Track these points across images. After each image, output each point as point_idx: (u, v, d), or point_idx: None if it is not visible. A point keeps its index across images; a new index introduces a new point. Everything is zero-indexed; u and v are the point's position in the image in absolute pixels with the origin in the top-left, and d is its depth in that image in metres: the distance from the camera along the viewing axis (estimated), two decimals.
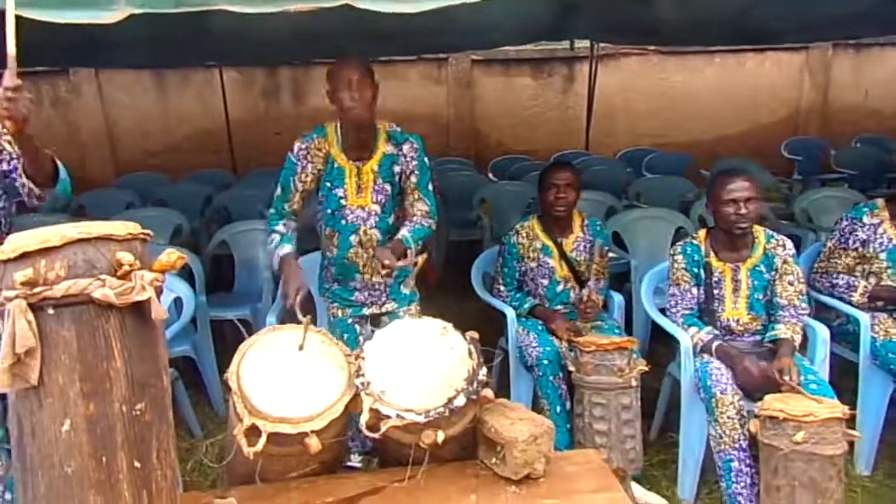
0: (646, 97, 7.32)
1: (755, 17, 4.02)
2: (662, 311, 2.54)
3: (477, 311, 2.94)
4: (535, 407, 2.51)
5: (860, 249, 2.52)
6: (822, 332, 2.34)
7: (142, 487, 1.35)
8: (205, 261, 3.43)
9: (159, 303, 1.39)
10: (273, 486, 1.83)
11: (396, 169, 2.24)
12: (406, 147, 2.24)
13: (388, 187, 2.25)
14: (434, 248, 4.82)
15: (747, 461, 2.06)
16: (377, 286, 2.35)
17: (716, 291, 2.38)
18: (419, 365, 1.83)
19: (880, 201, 2.55)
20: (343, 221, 2.26)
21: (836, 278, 2.55)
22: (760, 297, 2.36)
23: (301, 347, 1.85)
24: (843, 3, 3.43)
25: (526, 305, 2.66)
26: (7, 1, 1.51)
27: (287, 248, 2.22)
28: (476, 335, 1.92)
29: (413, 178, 2.25)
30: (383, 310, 2.39)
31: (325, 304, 2.46)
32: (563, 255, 2.66)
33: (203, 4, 1.78)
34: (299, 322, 1.91)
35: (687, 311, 2.41)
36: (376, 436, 1.71)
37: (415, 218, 2.25)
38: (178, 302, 2.82)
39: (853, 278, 2.53)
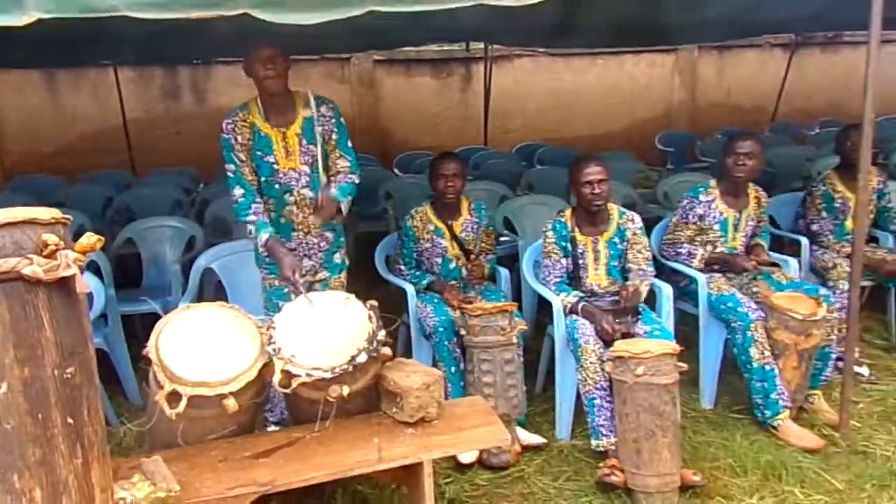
0: (538, 95, 7.86)
1: (630, 21, 4.52)
2: None
3: (386, 292, 3.20)
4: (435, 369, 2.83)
5: (698, 223, 3.02)
6: (667, 290, 2.81)
7: (75, 441, 1.53)
8: (111, 259, 3.49)
9: (83, 279, 1.57)
10: (195, 447, 2.03)
11: (318, 129, 2.47)
12: (324, 108, 2.48)
13: (313, 148, 2.47)
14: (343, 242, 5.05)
15: (607, 398, 2.46)
16: (312, 246, 2.57)
17: (580, 261, 2.79)
18: (325, 330, 2.09)
19: (713, 181, 3.07)
20: (276, 185, 2.48)
21: (681, 248, 3.04)
22: (616, 264, 2.80)
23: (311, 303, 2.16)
24: (710, 9, 3.92)
25: (424, 282, 2.97)
26: None
27: (265, 234, 2.42)
28: (375, 303, 2.21)
29: (333, 137, 2.50)
30: (317, 278, 2.61)
31: (262, 275, 2.62)
32: (453, 236, 2.99)
33: (108, 11, 1.93)
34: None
35: (558, 279, 2.81)
36: (288, 391, 1.96)
37: (339, 176, 2.50)
38: (89, 297, 2.90)
39: (693, 247, 3.02)
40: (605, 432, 2.47)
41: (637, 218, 2.82)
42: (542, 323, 3.41)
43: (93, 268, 3.09)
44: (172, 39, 3.79)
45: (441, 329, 2.72)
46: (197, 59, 6.69)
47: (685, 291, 3.07)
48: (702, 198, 3.00)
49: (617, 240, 2.79)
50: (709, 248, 3.03)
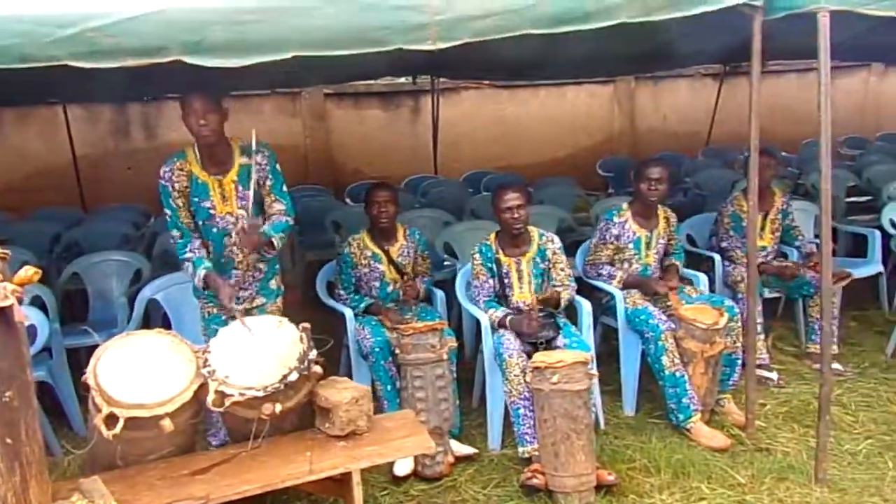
0: (485, 125, 8.17)
1: (565, 58, 4.82)
2: None
3: (333, 318, 3.34)
4: (374, 389, 2.98)
5: (615, 242, 3.27)
6: (586, 305, 3.04)
7: (13, 459, 1.64)
8: (57, 294, 3.54)
9: (20, 309, 1.70)
10: (134, 467, 2.13)
11: (254, 177, 2.61)
12: (259, 157, 2.63)
13: (249, 194, 2.61)
14: (291, 269, 5.18)
15: (531, 407, 2.65)
16: (252, 282, 2.71)
17: (506, 280, 3.00)
18: (258, 352, 2.23)
19: (625, 204, 3.33)
20: (214, 229, 2.62)
21: (601, 268, 3.28)
22: (540, 282, 3.02)
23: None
24: (639, 45, 4.22)
25: (362, 305, 3.13)
26: None
27: (202, 270, 2.56)
28: (308, 325, 2.36)
29: (268, 183, 2.65)
30: (254, 304, 2.74)
31: (201, 304, 2.74)
32: (390, 261, 3.17)
33: (48, 61, 2.08)
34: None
35: (487, 298, 3.00)
36: (220, 410, 2.09)
37: (273, 217, 2.65)
38: (32, 330, 2.97)
39: (613, 268, 3.26)
40: (529, 439, 2.65)
41: (556, 239, 3.05)
42: (481, 341, 3.60)
43: (38, 303, 3.16)
44: (121, 78, 3.92)
45: (377, 349, 2.88)
46: (147, 97, 6.78)
47: (608, 307, 3.30)
48: (616, 219, 3.26)
49: (538, 259, 3.01)
50: (626, 265, 3.27)
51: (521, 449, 2.68)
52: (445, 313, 3.34)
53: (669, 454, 2.71)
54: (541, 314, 2.86)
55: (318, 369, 2.25)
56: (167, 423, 2.05)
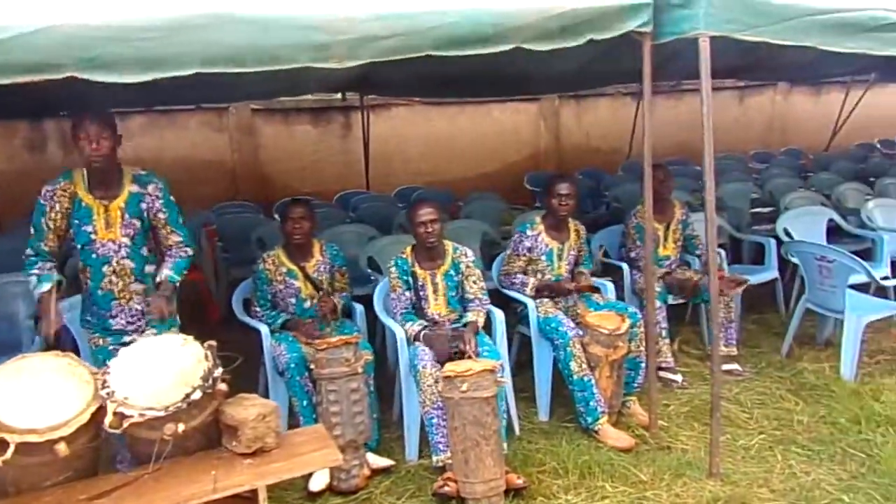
0: (416, 141, 8.29)
1: (489, 77, 4.97)
2: None
3: (253, 335, 3.30)
4: (291, 405, 2.97)
5: (528, 254, 3.40)
6: (499, 315, 3.14)
7: None
8: None
9: None
10: (30, 493, 2.05)
11: (143, 206, 2.58)
12: (151, 187, 2.60)
13: (136, 222, 2.58)
14: (214, 286, 5.09)
15: (443, 416, 2.70)
16: (135, 313, 2.64)
17: (422, 293, 3.07)
18: (159, 371, 2.20)
19: (538, 217, 3.47)
20: (94, 255, 2.55)
21: (515, 278, 3.40)
22: (454, 294, 3.10)
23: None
24: (565, 64, 4.39)
25: (279, 321, 3.12)
26: None
27: (43, 288, 2.47)
28: (214, 343, 2.35)
29: (161, 215, 2.62)
30: (144, 336, 2.68)
31: (86, 335, 2.67)
32: (306, 277, 3.18)
33: None
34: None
35: (404, 310, 3.06)
36: (118, 431, 2.05)
37: (171, 251, 2.62)
38: None
39: (526, 277, 3.38)
40: (442, 448, 2.71)
41: (469, 252, 3.14)
42: None
43: None
44: (33, 94, 3.78)
45: (293, 365, 2.88)
46: (63, 112, 6.54)
47: (523, 316, 3.42)
48: (529, 232, 3.39)
49: (453, 272, 3.09)
50: (539, 276, 3.40)
51: (435, 458, 2.73)
52: (365, 327, 3.37)
53: (577, 456, 2.82)
54: (454, 325, 2.93)
55: (223, 387, 2.24)
56: (62, 448, 2.00)
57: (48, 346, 2.38)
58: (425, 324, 3.01)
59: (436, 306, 3.07)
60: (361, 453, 2.78)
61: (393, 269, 3.07)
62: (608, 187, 6.59)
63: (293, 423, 2.93)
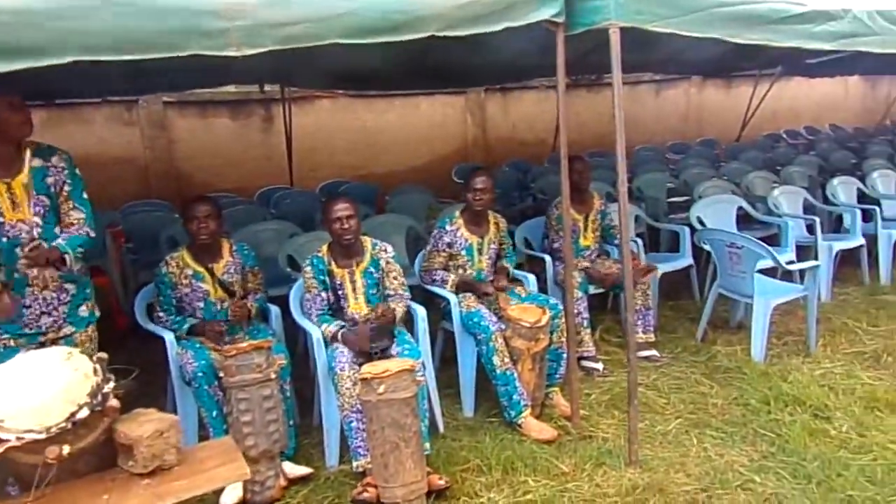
0: (342, 134, 8.09)
1: (413, 69, 4.87)
2: None
3: (160, 343, 3.10)
4: (201, 416, 2.80)
5: (448, 250, 3.34)
6: (421, 312, 3.07)
7: None
8: None
9: None
10: None
11: (49, 181, 2.38)
12: (55, 159, 2.40)
13: (45, 199, 2.37)
14: (122, 291, 4.77)
15: (362, 420, 2.61)
16: (50, 301, 2.42)
17: (340, 292, 2.95)
18: (39, 388, 1.99)
19: (457, 212, 3.42)
20: (4, 239, 2.33)
21: (435, 274, 3.34)
22: (374, 292, 3.00)
23: None
24: (491, 56, 4.33)
25: (185, 326, 2.93)
26: None
27: None
28: (105, 356, 2.15)
29: (66, 188, 2.43)
30: (60, 334, 2.47)
31: None
32: (215, 279, 3.00)
33: None
34: None
35: (320, 311, 2.94)
36: None
37: (72, 227, 2.42)
38: None
39: (446, 273, 3.33)
40: (362, 452, 2.62)
41: (389, 248, 3.05)
42: None
43: None
44: None
45: (200, 374, 2.71)
46: None
47: (446, 312, 3.36)
48: (448, 227, 3.33)
49: (372, 269, 2.99)
50: (460, 271, 3.36)
51: (355, 463, 2.64)
52: (282, 330, 3.22)
53: (501, 451, 2.79)
54: (374, 325, 2.84)
55: (115, 403, 2.06)
56: None
57: None
58: (343, 324, 2.90)
59: (355, 306, 2.96)
60: (277, 463, 2.65)
61: (308, 269, 2.94)
62: (534, 179, 6.65)
63: (204, 436, 2.77)
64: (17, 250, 2.35)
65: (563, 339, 3.17)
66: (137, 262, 4.96)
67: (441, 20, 2.43)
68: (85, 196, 2.50)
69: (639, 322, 3.67)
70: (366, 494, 2.44)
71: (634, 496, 2.49)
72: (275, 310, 3.23)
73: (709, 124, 10.30)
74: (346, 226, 2.85)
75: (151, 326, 3.00)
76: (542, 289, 3.68)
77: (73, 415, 1.95)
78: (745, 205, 4.90)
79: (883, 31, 3.12)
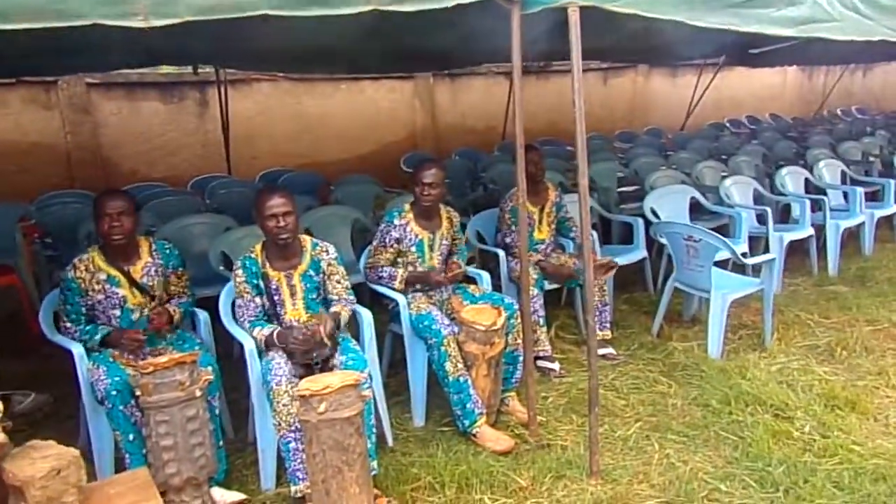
0: (283, 120, 7.66)
1: (362, 51, 4.57)
2: None
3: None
4: (116, 441, 2.48)
5: (396, 246, 3.09)
6: (367, 316, 2.81)
7: None
8: None
9: None
10: None
11: None
12: None
13: None
14: (35, 292, 4.32)
15: (302, 440, 2.36)
16: None
17: (276, 297, 2.67)
18: None
19: (406, 205, 3.17)
20: None
21: (382, 271, 3.09)
22: (315, 297, 2.73)
23: None
24: (440, 39, 4.06)
25: (97, 336, 2.59)
26: None
27: None
28: None
29: None
30: None
31: None
32: (132, 283, 2.67)
33: None
34: None
35: (253, 318, 2.65)
36: None
37: None
38: None
39: (394, 270, 3.08)
40: (301, 476, 2.37)
41: (331, 248, 2.78)
42: None
43: None
44: None
45: (114, 392, 2.39)
46: None
47: (395, 314, 3.12)
48: (396, 222, 3.08)
49: (312, 272, 2.72)
50: (410, 268, 3.12)
51: (292, 488, 2.39)
52: (211, 337, 2.91)
53: (454, 466, 2.59)
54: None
55: (0, 437, 1.74)
56: None
57: None
58: (276, 327, 2.62)
59: (293, 312, 2.68)
60: (205, 490, 2.37)
61: (240, 272, 2.64)
62: (485, 168, 6.45)
63: (120, 459, 2.46)
64: None
65: (520, 341, 2.99)
66: (55, 259, 4.50)
67: None
68: None
69: (595, 320, 3.52)
70: None
71: None
72: (203, 315, 2.91)
73: (654, 113, 10.34)
74: (283, 223, 2.56)
75: (58, 338, 2.64)
76: (496, 285, 3.49)
77: None
78: (698, 195, 4.84)
79: (842, 17, 3.04)
